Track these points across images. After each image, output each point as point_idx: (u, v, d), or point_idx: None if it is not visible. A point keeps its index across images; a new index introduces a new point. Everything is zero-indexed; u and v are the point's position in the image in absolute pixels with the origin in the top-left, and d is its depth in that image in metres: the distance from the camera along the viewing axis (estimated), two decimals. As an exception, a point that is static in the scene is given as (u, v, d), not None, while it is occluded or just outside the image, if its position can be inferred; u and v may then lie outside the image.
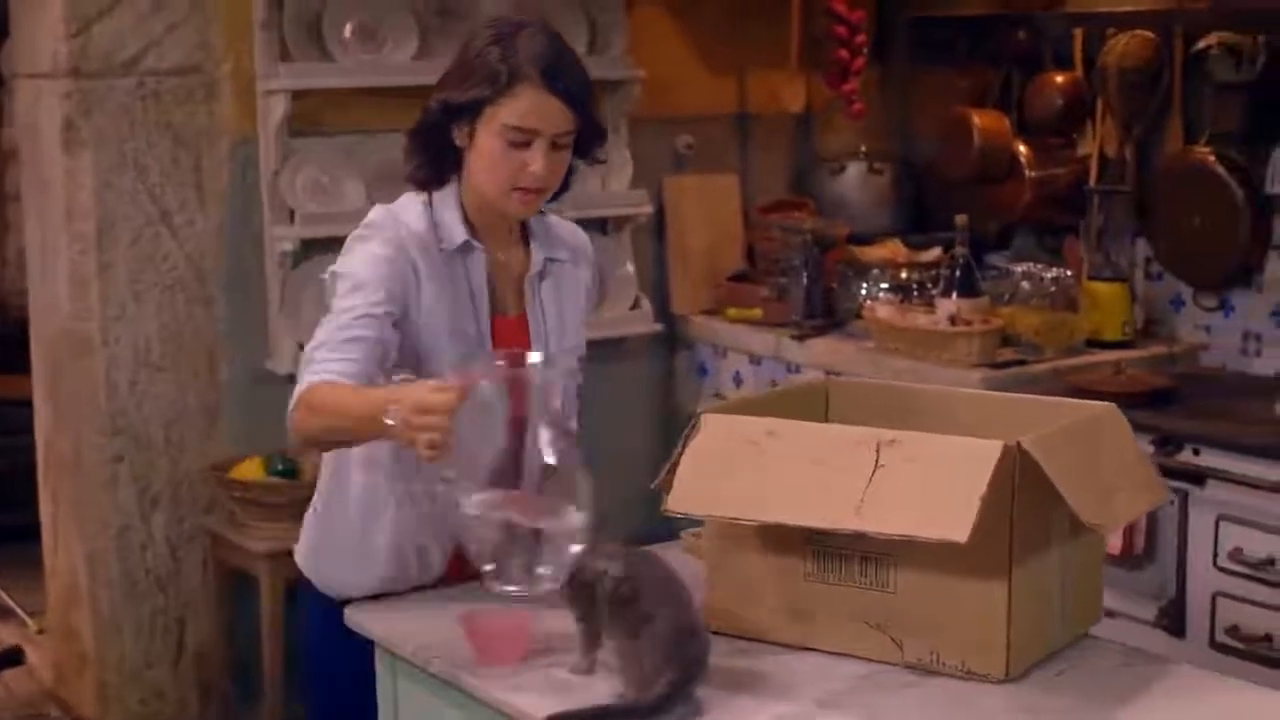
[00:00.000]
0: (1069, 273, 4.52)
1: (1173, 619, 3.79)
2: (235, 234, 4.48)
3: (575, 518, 2.36)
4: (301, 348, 4.40)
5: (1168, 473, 3.73)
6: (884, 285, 4.72)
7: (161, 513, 4.47)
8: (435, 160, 2.74)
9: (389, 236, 2.69)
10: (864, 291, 4.75)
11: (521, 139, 2.62)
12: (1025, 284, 4.53)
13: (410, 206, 2.76)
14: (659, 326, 5.02)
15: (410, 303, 2.67)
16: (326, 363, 2.58)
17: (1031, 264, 4.59)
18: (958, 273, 4.45)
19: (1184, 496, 3.75)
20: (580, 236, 2.96)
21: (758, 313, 4.82)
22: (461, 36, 4.50)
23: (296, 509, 4.23)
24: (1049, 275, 4.49)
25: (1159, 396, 3.99)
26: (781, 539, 2.43)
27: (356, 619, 2.69)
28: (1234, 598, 3.67)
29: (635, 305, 5.01)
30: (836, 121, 5.26)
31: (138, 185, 4.34)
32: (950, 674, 2.35)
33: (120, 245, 4.34)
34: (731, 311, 4.87)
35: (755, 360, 4.83)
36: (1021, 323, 4.41)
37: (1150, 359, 4.43)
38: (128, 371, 4.38)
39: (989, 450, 2.27)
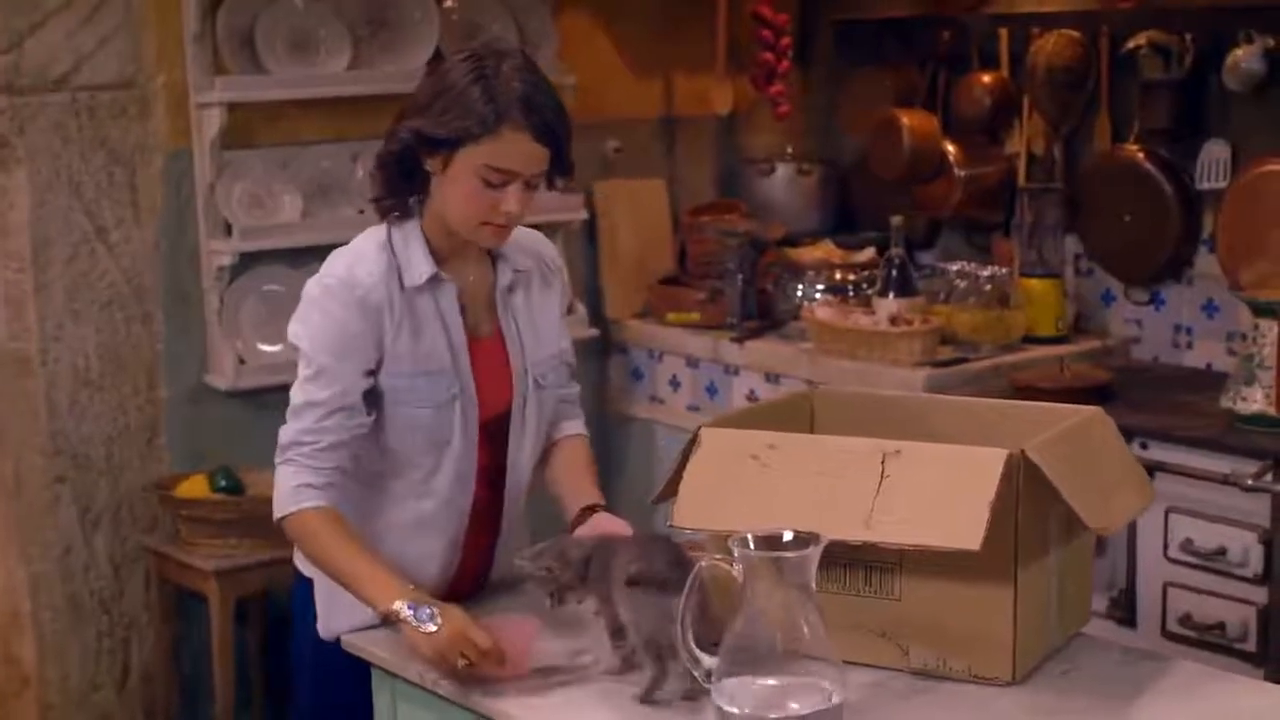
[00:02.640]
0: (1003, 270, 4.59)
1: (1124, 609, 3.86)
2: (172, 249, 4.44)
3: None
4: (242, 361, 4.44)
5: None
6: (820, 287, 4.76)
7: (103, 533, 4.42)
8: (402, 187, 2.71)
9: (348, 299, 2.67)
10: (800, 293, 4.79)
11: (499, 180, 2.61)
12: (960, 282, 4.59)
13: (368, 253, 2.72)
14: (594, 331, 5.04)
15: (379, 353, 2.69)
16: (304, 475, 2.68)
17: (966, 262, 4.65)
18: (894, 273, 4.51)
19: (1133, 490, 3.82)
20: (541, 241, 2.95)
21: (697, 316, 4.85)
22: (394, 47, 4.61)
23: (243, 526, 4.26)
24: (984, 273, 4.55)
25: (1103, 392, 4.06)
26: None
27: (355, 644, 2.68)
28: (1185, 587, 3.76)
29: (570, 310, 5.01)
30: (763, 123, 5.30)
31: (73, 202, 4.29)
32: (957, 678, 2.39)
33: (56, 263, 4.28)
34: (671, 315, 4.89)
35: (693, 363, 4.86)
36: (959, 321, 4.48)
37: (1085, 353, 4.51)
38: (67, 391, 4.32)
39: (994, 458, 2.32)
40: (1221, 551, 3.67)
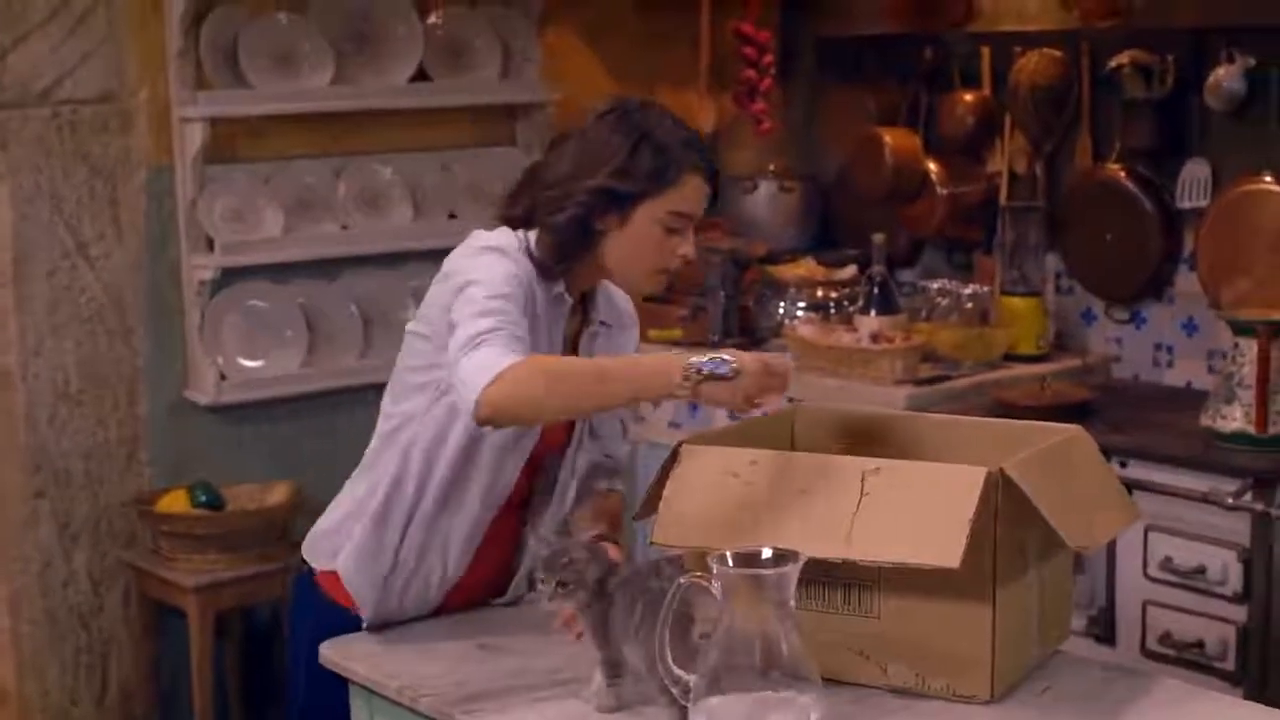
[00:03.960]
0: (985, 288, 4.60)
1: (1103, 627, 3.86)
2: (153, 264, 4.43)
3: None
4: (223, 377, 4.43)
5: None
6: (801, 304, 4.76)
7: (83, 548, 4.41)
8: (575, 251, 2.68)
9: (520, 259, 2.65)
10: (782, 310, 4.79)
11: (681, 225, 2.66)
12: (942, 300, 4.60)
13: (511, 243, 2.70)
14: (577, 348, 5.03)
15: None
16: (512, 344, 2.49)
17: (947, 280, 4.66)
18: (876, 290, 4.51)
19: (1113, 508, 3.83)
20: (629, 304, 2.94)
21: (678, 333, 4.85)
22: (378, 63, 4.61)
23: (223, 541, 4.26)
24: (965, 291, 4.56)
25: (1083, 410, 4.06)
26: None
27: (332, 659, 2.68)
28: (1165, 606, 3.76)
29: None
30: (745, 140, 5.30)
31: (54, 217, 4.28)
32: (935, 697, 2.39)
33: (38, 278, 4.27)
34: (653, 332, 4.88)
35: (674, 380, 4.85)
36: (940, 338, 4.48)
37: (1065, 371, 4.51)
38: (47, 406, 4.31)
39: (973, 476, 2.32)
40: (1201, 570, 3.67)
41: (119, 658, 4.49)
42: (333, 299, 4.66)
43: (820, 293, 4.79)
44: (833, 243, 5.22)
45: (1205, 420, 3.76)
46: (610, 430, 2.93)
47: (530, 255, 2.67)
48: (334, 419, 4.61)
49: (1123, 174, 4.46)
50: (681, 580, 2.14)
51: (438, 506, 2.73)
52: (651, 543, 2.48)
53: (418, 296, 4.69)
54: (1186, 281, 4.41)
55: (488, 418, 2.46)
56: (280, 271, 4.56)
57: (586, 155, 2.66)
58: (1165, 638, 3.75)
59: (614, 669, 2.38)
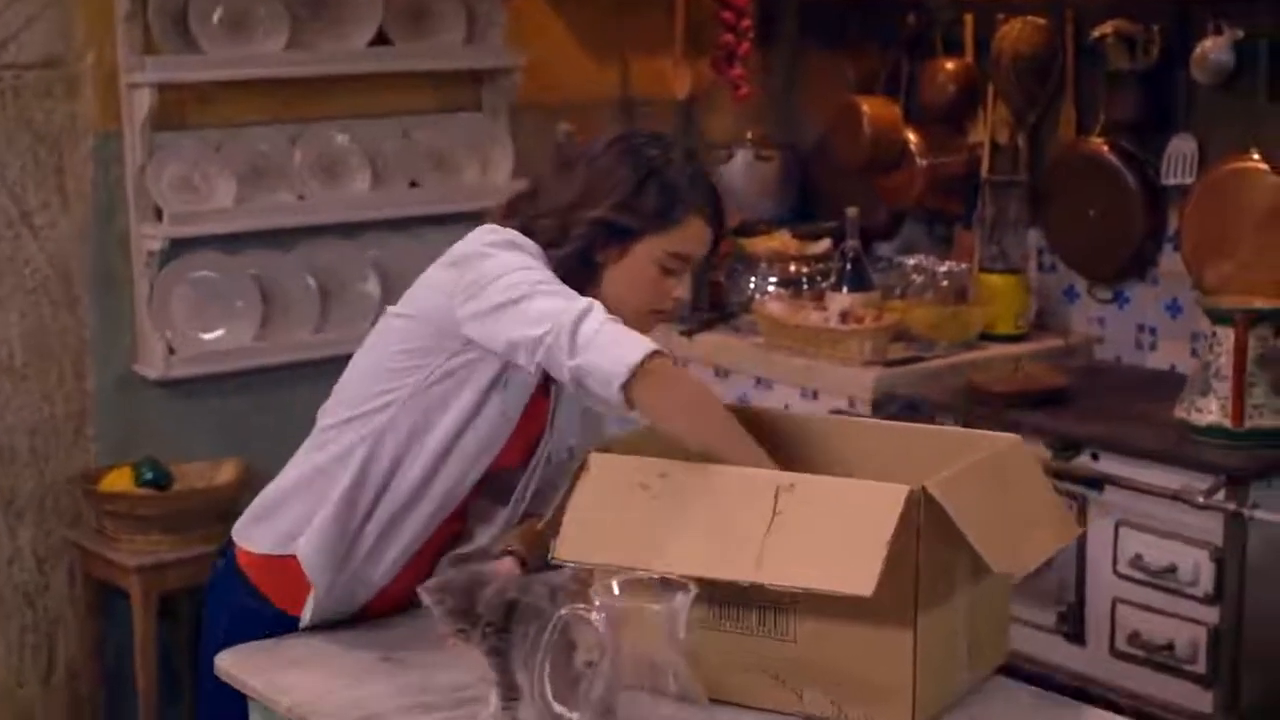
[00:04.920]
0: (962, 265, 4.43)
1: (1072, 625, 3.72)
2: (100, 234, 4.28)
3: None
4: (172, 351, 4.29)
5: (1066, 477, 3.67)
6: (773, 279, 4.60)
7: (28, 526, 4.27)
8: (575, 277, 2.57)
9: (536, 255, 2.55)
10: (752, 285, 4.63)
11: (678, 267, 2.60)
12: (917, 277, 4.44)
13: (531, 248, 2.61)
14: (543, 320, 4.88)
15: None
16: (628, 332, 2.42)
17: (923, 256, 4.49)
18: (848, 266, 4.35)
19: (1083, 502, 3.67)
20: None
21: (645, 308, 4.69)
22: (334, 28, 4.45)
23: (166, 521, 4.13)
24: (941, 269, 4.40)
25: (1057, 396, 3.91)
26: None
27: (228, 670, 2.54)
28: (1134, 604, 3.61)
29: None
30: (722, 106, 5.13)
31: (-4, 185, 4.15)
32: (854, 726, 2.25)
33: (-21, 249, 4.14)
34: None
35: (643, 355, 4.70)
36: (914, 317, 4.32)
37: (1045, 352, 4.35)
38: (-10, 380, 4.19)
39: (892, 496, 2.17)
40: (1172, 569, 3.52)
41: (65, 637, 4.36)
42: (288, 270, 4.51)
43: (793, 267, 4.63)
44: (811, 213, 5.05)
45: (1180, 412, 3.60)
46: (569, 421, 2.78)
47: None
48: (288, 394, 4.46)
49: (1106, 148, 4.28)
50: (562, 612, 1.99)
51: (401, 503, 2.61)
52: (552, 558, 2.33)
53: (378, 267, 4.60)
54: (1171, 261, 4.24)
55: (631, 396, 2.36)
56: (232, 242, 4.41)
57: (591, 185, 2.59)
58: (1134, 638, 3.60)
59: (510, 692, 2.24)
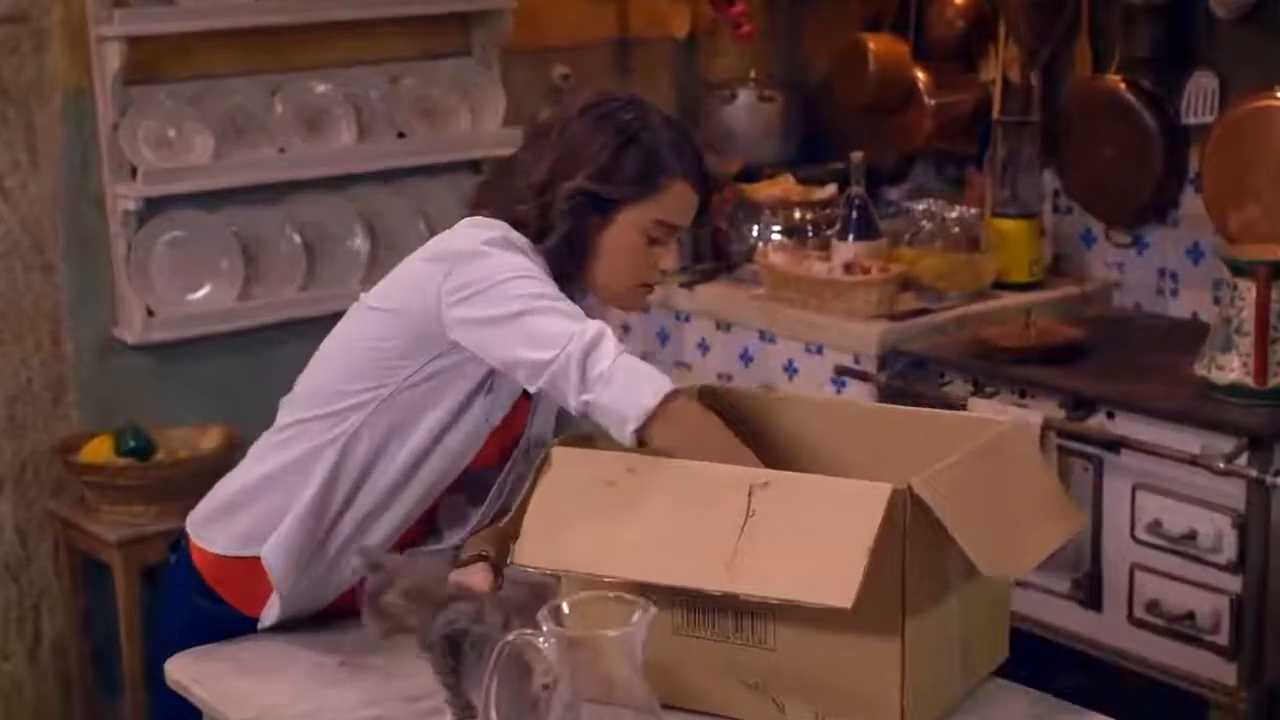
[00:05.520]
0: (973, 211, 4.23)
1: (1088, 591, 3.54)
2: (73, 195, 4.11)
3: None
4: (151, 313, 4.13)
5: (1079, 438, 3.50)
6: (777, 227, 4.41)
7: (8, 498, 4.13)
8: (570, 261, 2.43)
9: (534, 258, 2.39)
10: (755, 233, 4.44)
11: (665, 236, 2.45)
12: (926, 223, 4.24)
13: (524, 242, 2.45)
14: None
15: None
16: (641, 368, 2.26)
17: (933, 201, 4.29)
18: (854, 214, 4.16)
19: (1098, 463, 3.50)
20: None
21: (645, 259, 4.51)
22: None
23: (149, 491, 3.98)
24: (952, 214, 4.20)
25: (1070, 351, 3.72)
26: (647, 588, 2.14)
27: (180, 681, 2.39)
28: (1153, 571, 3.43)
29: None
30: (723, 46, 4.94)
31: (-38, 147, 3.98)
32: (839, 739, 2.08)
33: (-53, 214, 3.98)
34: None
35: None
36: (923, 266, 4.13)
37: (1060, 300, 4.17)
38: (-36, 349, 4.04)
39: (875, 495, 1.99)
40: (1192, 535, 3.34)
41: (50, 611, 4.23)
42: (271, 227, 4.34)
43: (797, 214, 4.43)
44: (816, 156, 4.85)
45: (1200, 369, 3.41)
46: (548, 418, 2.61)
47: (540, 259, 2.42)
48: (274, 355, 4.29)
49: (1123, 85, 4.06)
50: (509, 638, 1.83)
51: (374, 506, 2.46)
52: (511, 562, 2.16)
53: (365, 222, 4.43)
54: (1192, 204, 4.03)
55: (655, 431, 2.21)
56: (212, 199, 4.24)
57: (566, 156, 2.42)
58: (1153, 606, 3.43)
59: (465, 711, 2.08)
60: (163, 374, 4.25)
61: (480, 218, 2.44)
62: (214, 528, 2.53)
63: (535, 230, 2.42)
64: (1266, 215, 3.74)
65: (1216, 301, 3.96)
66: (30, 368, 4.13)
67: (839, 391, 3.99)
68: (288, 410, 2.51)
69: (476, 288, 2.30)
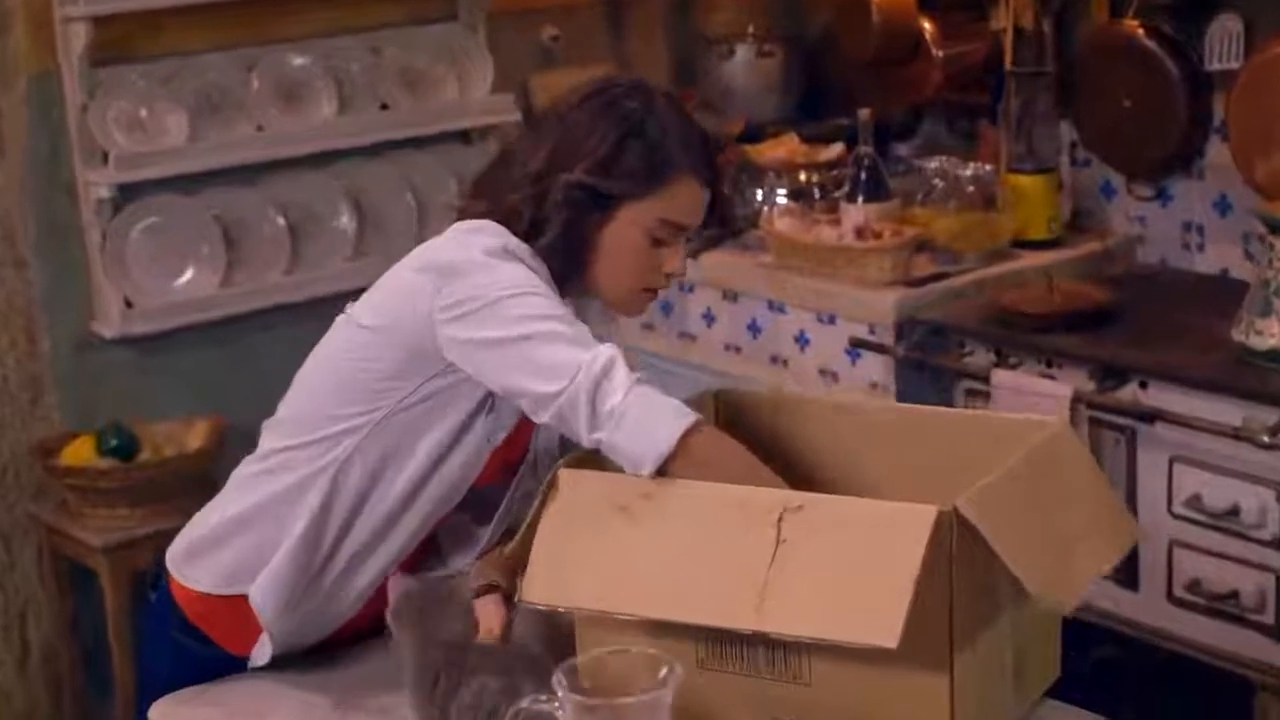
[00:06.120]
0: (987, 167, 4.03)
1: (1124, 570, 3.35)
2: (42, 184, 3.92)
3: None
4: (130, 304, 3.94)
5: (1111, 410, 3.32)
6: (782, 190, 4.21)
7: (-11, 503, 3.97)
8: (573, 257, 2.25)
9: (536, 269, 2.19)
10: (760, 197, 4.24)
11: (668, 236, 2.25)
12: (939, 182, 4.04)
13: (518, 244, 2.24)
14: (536, 244, 4.51)
15: None
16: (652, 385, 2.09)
17: (945, 158, 4.09)
18: (863, 175, 3.96)
19: (1131, 435, 3.32)
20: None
21: (644, 227, 4.31)
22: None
23: (134, 494, 3.80)
24: (965, 172, 4.00)
25: (1098, 316, 3.53)
26: (667, 623, 1.96)
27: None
28: (1194, 548, 3.25)
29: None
30: (720, 0, 4.72)
31: (-78, 137, 3.78)
32: (883, 780, 1.91)
33: (-90, 210, 3.79)
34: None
35: (645, 278, 4.33)
36: (938, 227, 3.94)
37: (1082, 259, 3.97)
38: (-64, 350, 3.85)
39: (918, 518, 1.81)
40: (1234, 511, 3.16)
41: (37, 618, 4.07)
42: (252, 209, 4.14)
43: (803, 176, 4.23)
44: (821, 111, 4.65)
45: (1237, 334, 3.22)
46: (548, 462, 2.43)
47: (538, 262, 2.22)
48: (262, 344, 4.12)
49: (1142, 31, 3.85)
50: (523, 704, 1.65)
51: (370, 537, 2.27)
52: (519, 600, 1.98)
53: (351, 200, 4.23)
54: (1218, 154, 3.83)
55: (675, 471, 2.01)
56: (189, 182, 4.04)
57: (564, 146, 2.24)
58: (1194, 585, 3.25)
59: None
60: (144, 368, 4.07)
61: (473, 221, 2.24)
62: (196, 564, 2.34)
63: (529, 224, 2.23)
64: (1299, 164, 3.54)
65: (1247, 256, 3.78)
66: (5, 366, 3.96)
67: (854, 363, 3.80)
68: (272, 435, 2.32)
69: (472, 305, 2.11)
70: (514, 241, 2.19)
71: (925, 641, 1.83)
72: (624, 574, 1.92)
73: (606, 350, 2.06)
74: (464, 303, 2.11)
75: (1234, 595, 3.20)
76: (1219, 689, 3.31)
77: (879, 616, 1.77)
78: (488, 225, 2.22)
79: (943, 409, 2.36)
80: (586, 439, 2.05)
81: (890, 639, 1.76)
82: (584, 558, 1.95)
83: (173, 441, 3.99)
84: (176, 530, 3.67)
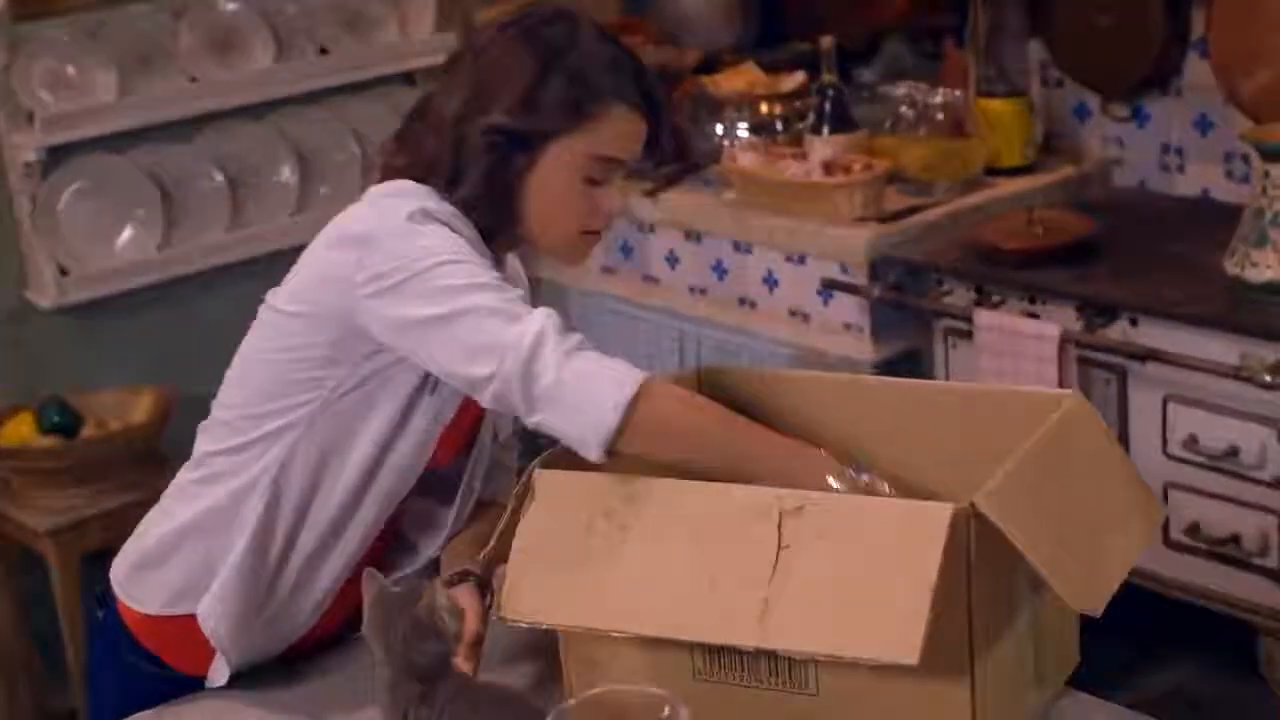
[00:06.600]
0: (958, 93, 3.86)
1: (1118, 513, 3.23)
2: (-36, 149, 3.74)
3: None
4: (64, 272, 3.76)
5: (1100, 348, 3.17)
6: (743, 124, 4.03)
7: (-74, 485, 3.78)
8: (498, 207, 2.04)
9: (460, 227, 2.00)
10: (721, 131, 4.06)
11: (603, 173, 2.04)
12: (907, 110, 3.87)
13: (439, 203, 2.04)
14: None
15: None
16: (589, 351, 1.89)
17: (912, 84, 3.91)
18: (828, 105, 3.79)
19: (1122, 375, 3.18)
20: (517, 264, 2.26)
21: (600, 168, 4.13)
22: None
23: (78, 472, 3.62)
24: (934, 99, 3.83)
25: (1082, 249, 3.38)
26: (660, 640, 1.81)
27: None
28: (1192, 491, 3.12)
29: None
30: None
31: None
32: (900, 795, 1.76)
33: None
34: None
35: (603, 219, 4.16)
36: (909, 157, 3.77)
37: (1058, 184, 3.82)
38: None
39: (933, 518, 1.65)
40: (1233, 451, 3.03)
41: (-13, 607, 3.90)
42: (189, 166, 3.97)
43: (764, 108, 4.05)
44: (780, 36, 4.46)
45: (1231, 267, 3.07)
46: (505, 424, 2.26)
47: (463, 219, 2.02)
48: (205, 305, 3.96)
49: (1113, -57, 3.70)
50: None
51: (321, 538, 2.09)
52: (499, 617, 1.82)
53: (293, 150, 4.04)
54: (1197, 71, 3.67)
55: (619, 444, 1.84)
56: (121, 141, 3.87)
57: (482, 84, 2.03)
58: (1194, 529, 3.12)
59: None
60: (83, 337, 3.91)
61: (391, 184, 2.05)
62: (139, 585, 2.16)
63: (450, 175, 2.03)
64: (1283, 80, 3.39)
65: (1229, 176, 3.63)
66: (-64, 342, 3.77)
67: (826, 304, 3.65)
68: (206, 439, 2.14)
69: (393, 278, 1.91)
70: (434, 202, 1.99)
71: (943, 650, 1.67)
72: (612, 587, 1.76)
73: (535, 322, 1.87)
74: (384, 275, 1.92)
75: (1235, 539, 3.07)
76: (1221, 635, 3.19)
77: (896, 629, 1.62)
78: (406, 187, 2.02)
79: (947, 384, 2.21)
80: (529, 423, 1.88)
81: (910, 654, 1.60)
82: (568, 570, 1.79)
83: (118, 414, 3.81)
84: (125, 509, 3.56)
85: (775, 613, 1.68)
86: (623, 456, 1.84)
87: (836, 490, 1.81)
